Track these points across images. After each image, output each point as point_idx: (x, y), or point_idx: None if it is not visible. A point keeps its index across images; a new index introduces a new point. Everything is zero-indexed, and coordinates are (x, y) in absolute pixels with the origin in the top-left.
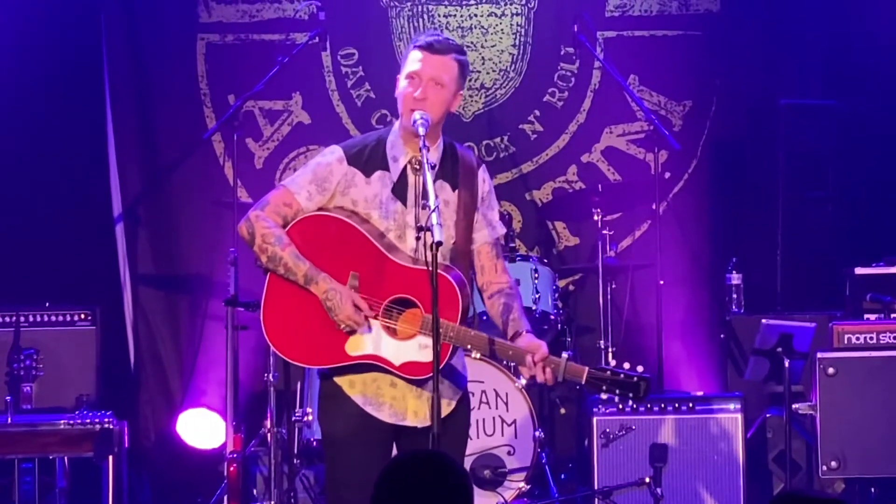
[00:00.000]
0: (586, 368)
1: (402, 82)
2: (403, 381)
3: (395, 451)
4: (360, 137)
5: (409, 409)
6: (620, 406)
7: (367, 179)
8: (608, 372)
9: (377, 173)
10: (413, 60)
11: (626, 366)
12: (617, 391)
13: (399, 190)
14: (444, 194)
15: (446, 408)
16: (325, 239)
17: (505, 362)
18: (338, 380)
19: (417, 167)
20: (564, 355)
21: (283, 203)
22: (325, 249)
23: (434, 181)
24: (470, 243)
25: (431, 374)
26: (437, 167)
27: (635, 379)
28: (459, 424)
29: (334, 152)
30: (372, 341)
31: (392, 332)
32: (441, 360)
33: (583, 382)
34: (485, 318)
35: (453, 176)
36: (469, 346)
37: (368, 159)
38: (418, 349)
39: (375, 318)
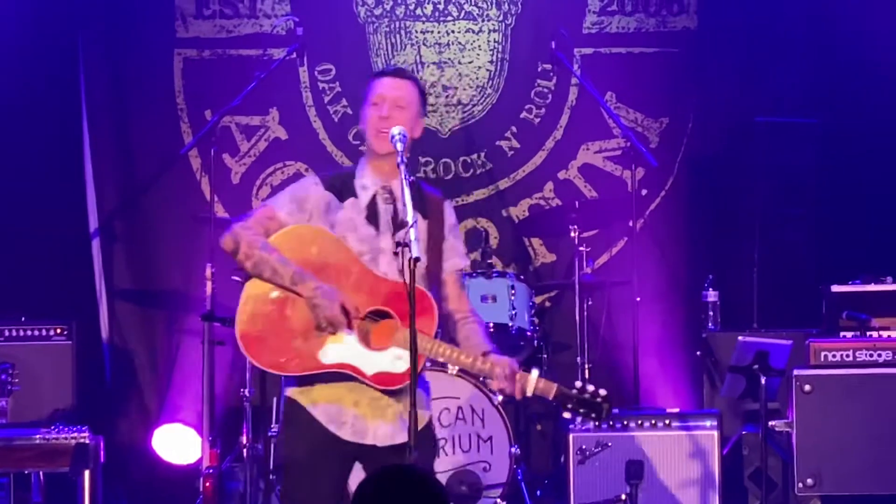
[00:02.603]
0: (555, 385)
1: (366, 111)
2: (366, 401)
3: (358, 473)
4: (334, 168)
5: (369, 427)
6: (597, 423)
7: (342, 204)
8: (575, 391)
9: (350, 200)
10: (375, 87)
11: (591, 388)
12: (581, 410)
13: (371, 216)
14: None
15: (421, 421)
16: (307, 248)
17: (482, 378)
18: (300, 399)
19: (387, 195)
20: (535, 371)
21: (265, 217)
22: (307, 258)
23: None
24: (440, 271)
25: (402, 386)
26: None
27: (599, 400)
28: (428, 444)
29: (311, 178)
30: (346, 350)
31: (366, 343)
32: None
33: (551, 398)
34: None
35: (422, 205)
36: (442, 359)
37: (342, 186)
38: (392, 360)
39: (352, 327)
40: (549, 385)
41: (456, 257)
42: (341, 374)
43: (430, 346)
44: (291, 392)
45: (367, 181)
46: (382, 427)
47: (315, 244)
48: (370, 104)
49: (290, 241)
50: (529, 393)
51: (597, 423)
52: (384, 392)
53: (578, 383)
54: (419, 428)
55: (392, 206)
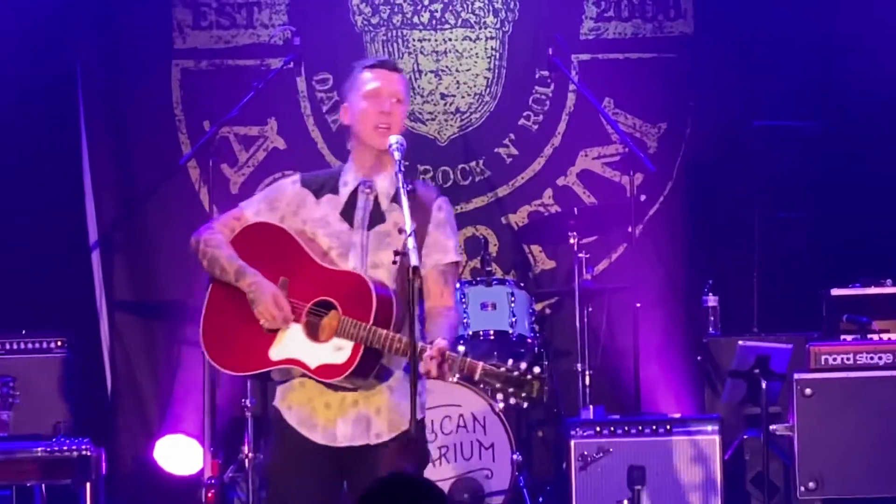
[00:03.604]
0: (481, 364)
1: (360, 104)
2: (336, 402)
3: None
4: (323, 168)
5: (338, 430)
6: (598, 429)
7: (317, 201)
8: (503, 368)
9: (326, 196)
10: (369, 80)
11: (523, 366)
12: (511, 390)
13: (347, 212)
14: (395, 217)
15: (391, 418)
16: (262, 245)
17: (482, 385)
18: (279, 404)
19: (368, 190)
20: (461, 349)
21: (233, 218)
22: (262, 255)
23: (388, 203)
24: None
25: (342, 378)
26: (395, 192)
27: (529, 377)
28: (412, 451)
29: (290, 177)
30: (293, 345)
31: (313, 336)
32: (352, 362)
33: (476, 378)
34: (481, 337)
35: (410, 204)
36: (380, 346)
37: (322, 185)
38: (333, 351)
39: (298, 321)
40: (475, 364)
41: (438, 253)
42: (299, 376)
43: (364, 334)
44: (276, 398)
45: (349, 177)
46: (343, 427)
47: (266, 240)
48: (364, 97)
49: (246, 238)
50: (455, 374)
51: (528, 404)
52: (327, 385)
53: (510, 361)
54: (397, 434)
55: (373, 200)
